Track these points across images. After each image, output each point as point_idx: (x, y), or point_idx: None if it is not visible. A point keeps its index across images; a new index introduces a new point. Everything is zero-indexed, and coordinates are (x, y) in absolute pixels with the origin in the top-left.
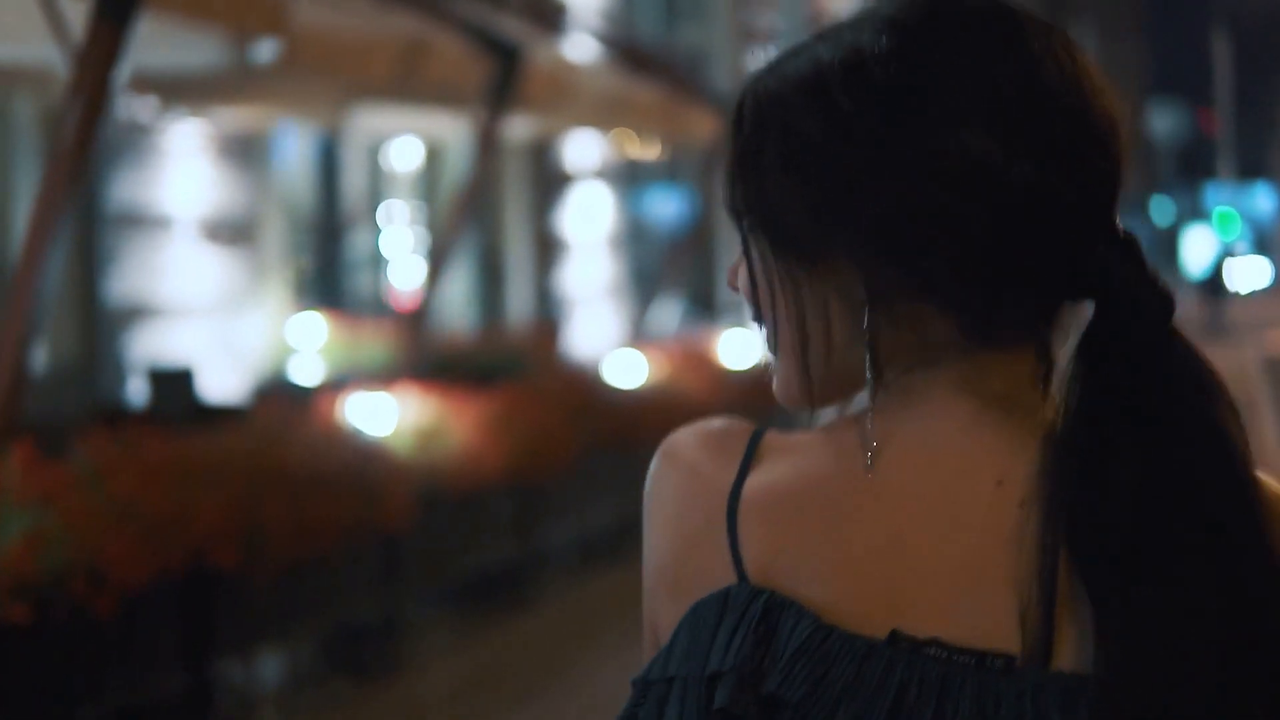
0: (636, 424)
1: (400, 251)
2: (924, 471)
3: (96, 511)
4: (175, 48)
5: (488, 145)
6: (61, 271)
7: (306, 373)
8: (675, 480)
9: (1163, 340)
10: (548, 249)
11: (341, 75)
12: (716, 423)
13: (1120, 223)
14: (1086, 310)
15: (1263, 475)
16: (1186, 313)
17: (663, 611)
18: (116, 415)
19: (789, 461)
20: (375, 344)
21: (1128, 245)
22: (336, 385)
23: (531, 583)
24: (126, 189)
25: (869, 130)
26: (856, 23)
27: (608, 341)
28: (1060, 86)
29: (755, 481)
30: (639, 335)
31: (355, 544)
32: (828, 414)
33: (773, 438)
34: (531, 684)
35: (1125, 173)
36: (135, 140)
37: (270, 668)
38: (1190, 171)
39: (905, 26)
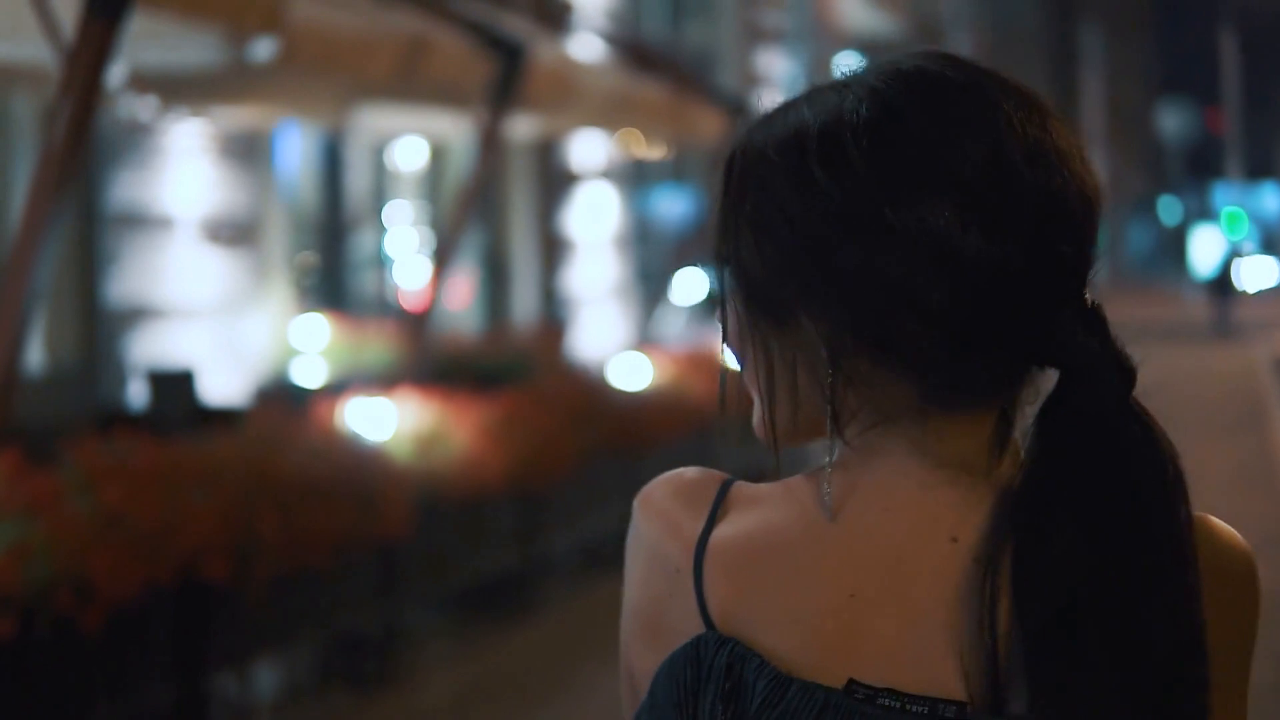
0: (641, 428)
1: (405, 252)
2: (881, 528)
3: (84, 522)
4: (172, 47)
5: (490, 144)
6: (53, 272)
7: (309, 375)
8: (649, 530)
9: (1119, 411)
10: (553, 249)
11: (342, 74)
12: (690, 473)
13: (1089, 295)
14: (1053, 377)
15: (1215, 528)
16: (1195, 313)
17: (638, 659)
18: (116, 418)
19: (754, 513)
20: (379, 346)
21: (1092, 316)
22: (339, 388)
23: (534, 591)
24: (127, 189)
25: (836, 199)
26: (843, 86)
27: (613, 343)
28: (1026, 165)
29: (721, 532)
30: (645, 337)
31: (354, 552)
32: (813, 448)
33: (740, 489)
34: (534, 694)
35: (1094, 244)
36: (136, 140)
37: (266, 680)
38: (1199, 171)
39: (883, 99)
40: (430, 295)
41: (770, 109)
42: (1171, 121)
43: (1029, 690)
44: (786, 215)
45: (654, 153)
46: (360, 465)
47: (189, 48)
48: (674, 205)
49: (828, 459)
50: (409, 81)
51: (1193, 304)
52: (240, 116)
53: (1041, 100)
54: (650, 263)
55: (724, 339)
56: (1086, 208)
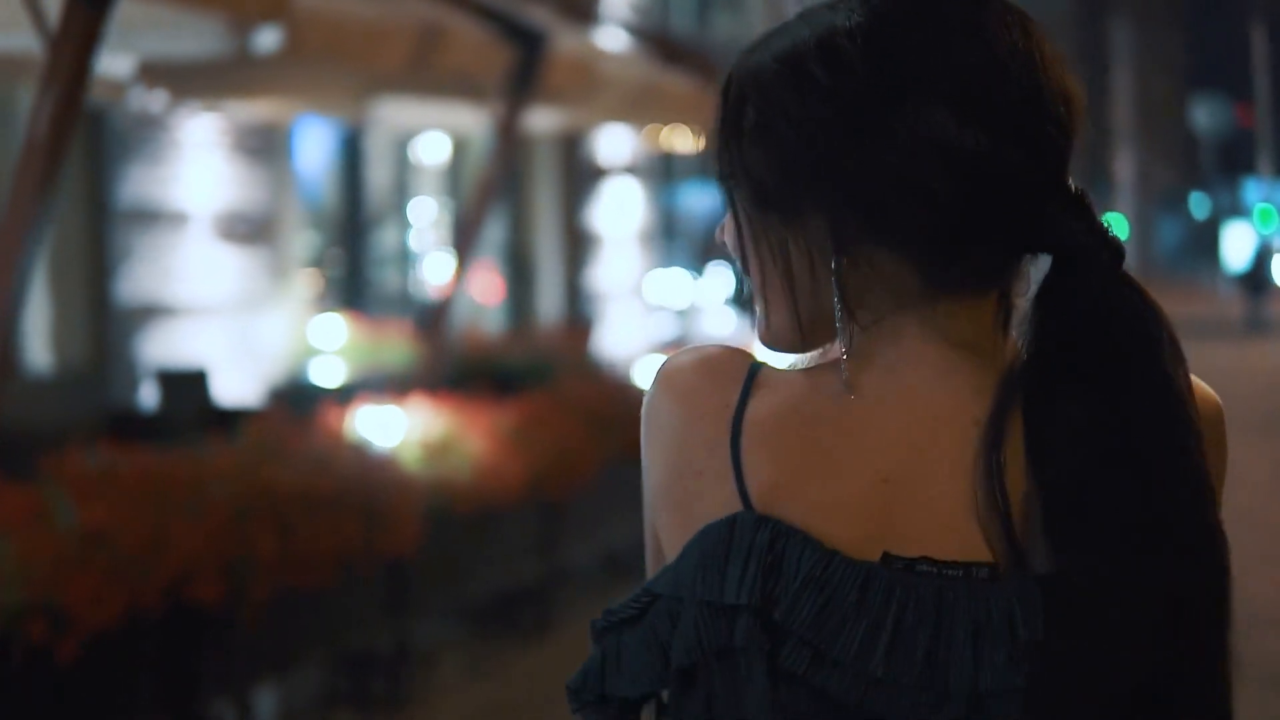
0: None
1: (428, 248)
2: (907, 410)
3: (61, 542)
4: (173, 36)
5: (508, 136)
6: (37, 271)
7: (325, 375)
8: (675, 406)
9: (1111, 285)
10: (578, 245)
11: (354, 65)
12: (714, 349)
13: (1072, 182)
14: (1045, 262)
15: (1203, 391)
16: (1227, 309)
17: (665, 527)
18: (125, 420)
19: (785, 394)
20: (397, 346)
21: (1078, 202)
22: (355, 389)
23: (553, 605)
24: (138, 184)
25: (837, 100)
26: (835, 4)
27: (640, 341)
28: (1014, 64)
29: (756, 410)
30: (672, 336)
31: (361, 567)
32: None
33: (770, 371)
34: (553, 715)
35: (1076, 139)
36: (147, 134)
37: (268, 706)
38: (1230, 166)
39: (876, 9)
40: (448, 294)
41: (764, 33)
42: (1204, 116)
43: (1051, 548)
44: (790, 118)
45: (682, 145)
46: (368, 475)
47: (191, 37)
48: (701, 201)
49: (841, 344)
50: (425, 73)
51: (1225, 300)
52: (255, 110)
53: (1023, 10)
54: (677, 259)
55: (738, 249)
56: (1068, 105)
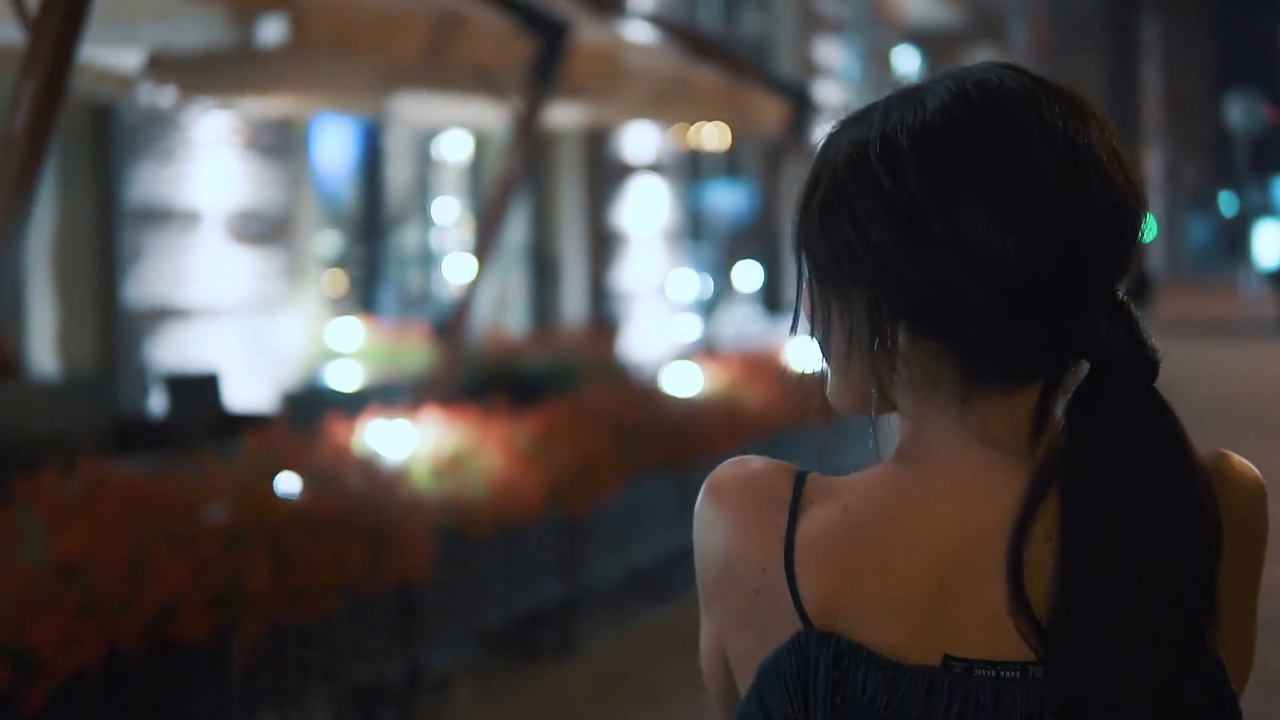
0: (697, 440)
1: (451, 249)
2: (954, 513)
3: (29, 576)
4: (176, 27)
5: (527, 131)
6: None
7: (341, 380)
8: (727, 525)
9: (1142, 396)
10: (603, 245)
11: (365, 57)
12: (758, 465)
13: (1120, 291)
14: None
15: (1233, 463)
16: (1257, 309)
17: (735, 640)
18: (133, 427)
19: (834, 505)
20: (416, 350)
21: (1120, 312)
22: (371, 395)
23: (574, 627)
24: (149, 183)
25: (889, 199)
26: (911, 94)
27: (667, 344)
28: (1058, 171)
29: (807, 527)
30: (700, 339)
31: (368, 594)
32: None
33: (815, 481)
34: None
35: (1128, 245)
36: (158, 131)
37: None
38: (1261, 165)
39: (944, 107)
40: (466, 298)
41: (861, 108)
42: (1238, 113)
43: (1064, 647)
44: (849, 207)
45: (712, 143)
46: (376, 494)
47: (193, 27)
48: (729, 200)
49: (873, 426)
50: (443, 66)
51: (1255, 299)
52: (270, 106)
53: (1086, 104)
54: (705, 260)
55: (808, 316)
56: (1118, 210)
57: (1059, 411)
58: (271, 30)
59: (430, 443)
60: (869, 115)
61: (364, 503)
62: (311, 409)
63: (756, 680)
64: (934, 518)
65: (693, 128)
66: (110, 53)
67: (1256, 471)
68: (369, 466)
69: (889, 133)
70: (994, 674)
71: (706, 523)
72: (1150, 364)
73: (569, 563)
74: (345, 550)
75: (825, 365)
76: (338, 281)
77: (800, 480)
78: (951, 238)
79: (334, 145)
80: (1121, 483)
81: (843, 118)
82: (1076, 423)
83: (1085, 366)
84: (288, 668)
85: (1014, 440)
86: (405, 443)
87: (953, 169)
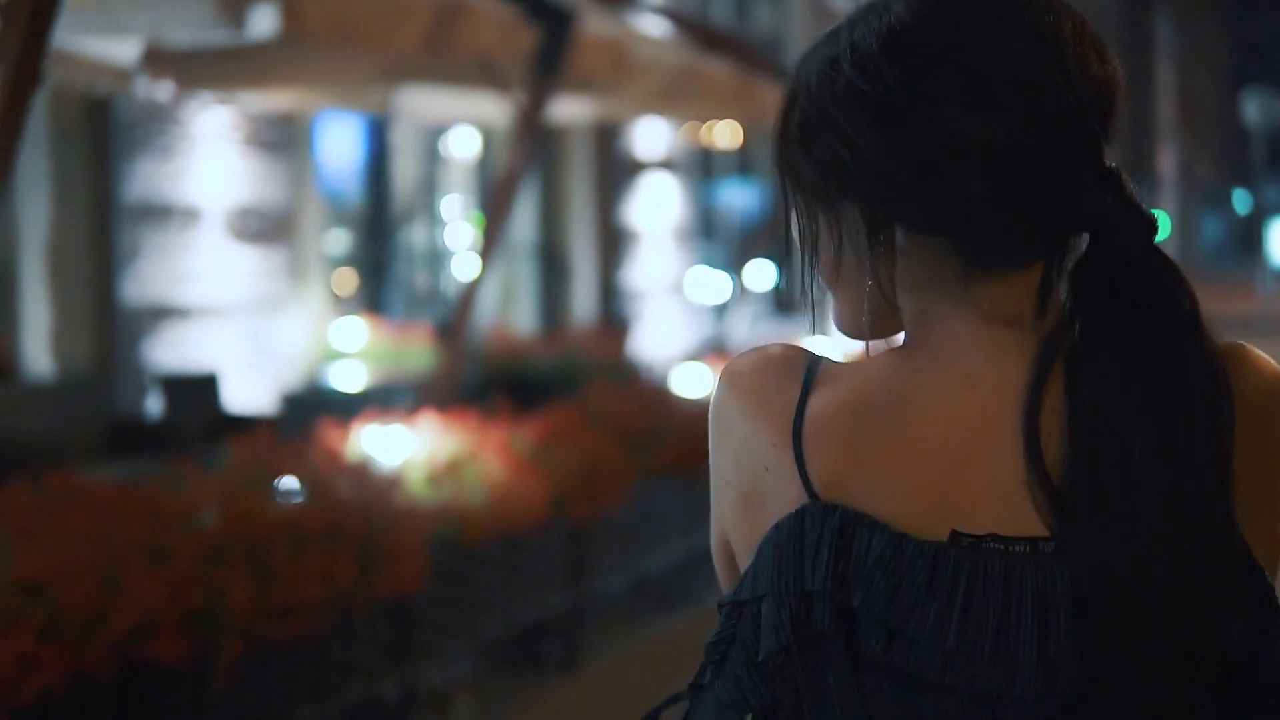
0: (705, 445)
1: (459, 247)
2: (960, 392)
3: None
4: (165, 16)
5: (531, 125)
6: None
7: (344, 380)
8: (740, 405)
9: (1143, 254)
10: (613, 243)
11: (363, 48)
12: (775, 349)
13: (1107, 161)
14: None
15: (1249, 354)
16: (1273, 307)
17: (736, 529)
18: (129, 429)
19: (844, 385)
20: (420, 350)
21: (1110, 177)
22: (374, 396)
23: (580, 639)
24: (146, 178)
25: (869, 103)
26: (874, 6)
27: (678, 343)
28: (1033, 54)
29: (816, 405)
30: (711, 339)
31: (360, 609)
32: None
33: (828, 365)
34: None
35: (1110, 120)
36: (156, 125)
37: None
38: (1278, 162)
39: (907, 11)
40: (468, 298)
41: (821, 37)
42: (1254, 110)
43: (1078, 518)
44: (829, 119)
45: (724, 141)
46: (369, 502)
47: (184, 15)
48: (741, 198)
49: (869, 329)
50: (445, 58)
51: (1269, 297)
52: (272, 101)
53: (1061, 2)
54: (716, 259)
55: (798, 245)
56: (1096, 86)
57: (1063, 286)
58: (263, 20)
59: (427, 448)
60: (835, 35)
61: (355, 512)
62: (312, 410)
63: (757, 552)
64: (942, 396)
65: (705, 126)
66: (106, 44)
67: (1275, 364)
68: (362, 474)
69: (858, 41)
70: (1003, 547)
71: (722, 406)
72: (1146, 222)
73: (574, 572)
74: (334, 563)
75: (831, 290)
76: (342, 280)
77: (814, 362)
78: (936, 128)
79: (339, 141)
80: (1129, 355)
81: (809, 47)
82: (1080, 293)
83: (1084, 241)
84: (273, 688)
85: (1019, 318)
86: (401, 448)
87: (926, 60)
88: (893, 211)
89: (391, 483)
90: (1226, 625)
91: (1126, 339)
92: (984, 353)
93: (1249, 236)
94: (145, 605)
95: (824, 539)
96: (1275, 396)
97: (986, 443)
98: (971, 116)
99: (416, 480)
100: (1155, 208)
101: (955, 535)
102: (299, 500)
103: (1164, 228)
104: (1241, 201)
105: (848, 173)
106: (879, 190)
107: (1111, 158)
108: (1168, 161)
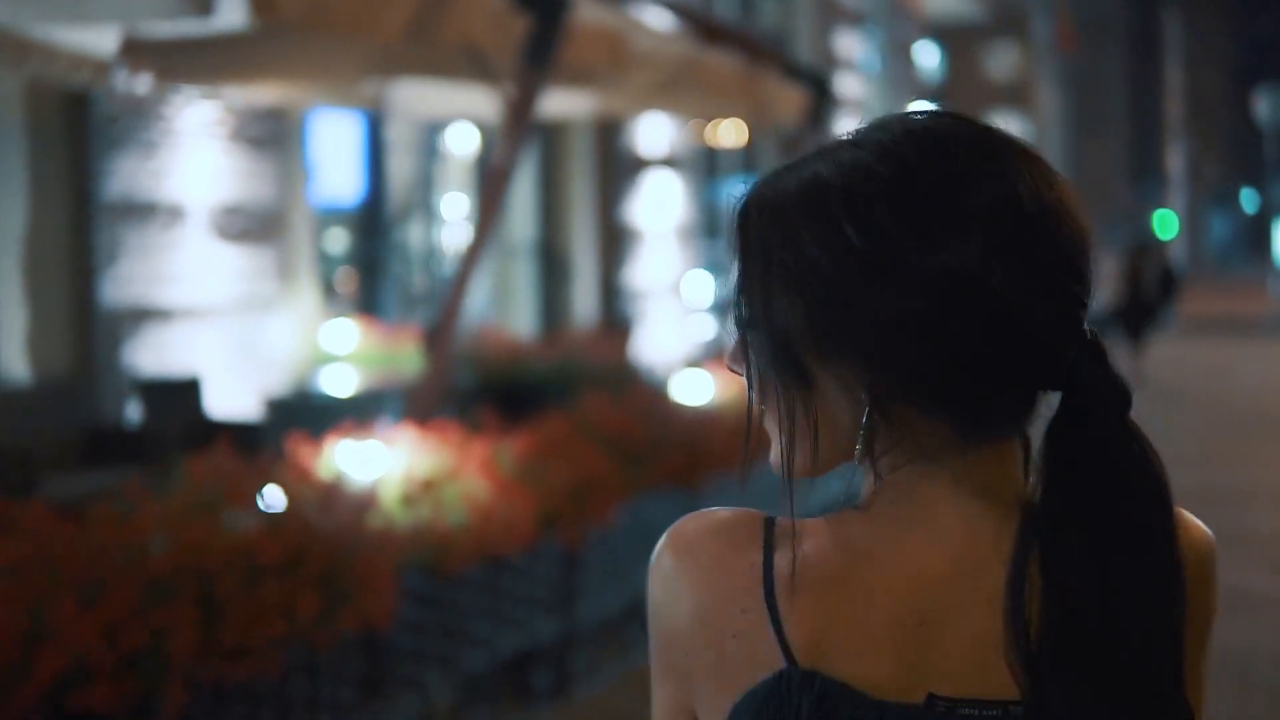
0: (705, 455)
1: (457, 246)
2: (938, 556)
3: None
4: (133, 5)
5: (521, 119)
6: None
7: (333, 385)
8: (698, 573)
9: (1120, 431)
10: (615, 242)
11: (344, 38)
12: (722, 513)
13: (1088, 327)
14: (1053, 398)
15: (1186, 521)
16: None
17: (705, 696)
18: (106, 437)
19: (811, 545)
20: (412, 354)
21: (1095, 346)
22: (363, 401)
23: (568, 666)
24: (127, 175)
25: (866, 251)
26: (854, 144)
27: (680, 347)
28: (1036, 211)
29: (783, 565)
30: (714, 343)
31: (324, 641)
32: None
33: (784, 524)
34: None
35: (1091, 285)
36: (137, 120)
37: None
38: None
39: (899, 154)
40: (454, 301)
41: (771, 172)
42: (1267, 108)
43: (1043, 681)
44: (819, 273)
45: (728, 139)
46: (335, 528)
47: (152, 4)
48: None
49: (868, 496)
50: (430, 48)
51: (1276, 297)
52: (255, 94)
53: (1041, 154)
54: (721, 258)
55: (748, 383)
56: (1085, 253)
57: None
58: (233, 6)
59: (403, 465)
60: (801, 171)
61: (320, 538)
62: (298, 416)
63: None
64: (914, 557)
65: (710, 124)
66: (83, 35)
67: (1209, 531)
68: (331, 494)
69: (850, 184)
70: (976, 713)
71: (669, 576)
72: (1125, 396)
73: (564, 596)
74: (294, 595)
75: (772, 433)
76: (342, 280)
77: (770, 523)
78: (939, 272)
79: (333, 138)
80: (1104, 531)
81: (759, 179)
82: (1058, 463)
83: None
84: None
85: (1002, 486)
86: (375, 465)
87: (932, 209)
88: (895, 384)
89: (363, 504)
90: None
91: (1103, 515)
92: (968, 521)
93: (1258, 235)
94: (78, 647)
95: (804, 714)
96: (1208, 565)
97: (966, 607)
98: (978, 256)
99: (390, 500)
100: (1163, 207)
101: (931, 699)
102: (257, 525)
103: (1172, 227)
104: (1249, 200)
105: (842, 333)
106: (880, 358)
107: (1090, 331)
108: (1176, 161)
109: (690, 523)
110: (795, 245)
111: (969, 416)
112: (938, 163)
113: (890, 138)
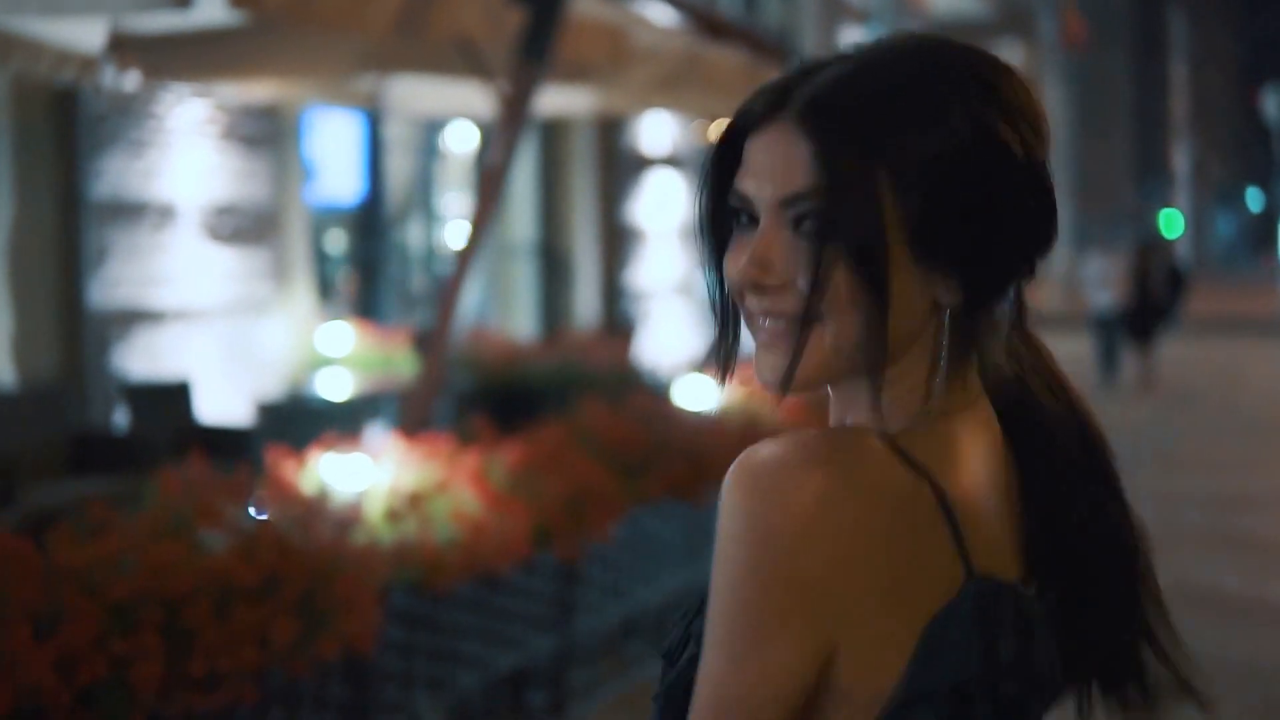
0: (708, 464)
1: (457, 246)
2: (993, 456)
3: None
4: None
5: (515, 115)
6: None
7: (328, 389)
8: (869, 496)
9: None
10: (618, 242)
11: (333, 31)
12: (838, 434)
13: None
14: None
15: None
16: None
17: (860, 633)
18: (93, 442)
19: (937, 448)
20: (408, 356)
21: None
22: (356, 406)
23: (568, 686)
24: (116, 174)
25: (966, 137)
26: (900, 50)
27: (684, 350)
28: (1031, 108)
29: (943, 476)
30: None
31: (301, 668)
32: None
33: (902, 435)
34: None
35: None
36: (126, 117)
37: None
38: None
39: (951, 58)
40: (449, 304)
41: (837, 69)
42: (1274, 107)
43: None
44: (939, 167)
45: None
46: (318, 546)
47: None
48: None
49: (935, 390)
50: (422, 42)
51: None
52: (247, 92)
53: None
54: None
55: (813, 294)
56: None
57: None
58: (212, 1)
59: (389, 479)
60: (881, 71)
61: (298, 559)
62: (291, 421)
63: (926, 637)
64: (986, 454)
65: (714, 123)
66: (69, 31)
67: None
68: (312, 511)
69: (1006, 98)
70: (1032, 593)
71: (829, 501)
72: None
73: (560, 612)
74: (270, 621)
75: (801, 340)
76: (335, 282)
77: (884, 437)
78: (1025, 167)
79: (331, 137)
80: (1056, 427)
81: (823, 77)
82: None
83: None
84: None
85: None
86: (359, 479)
87: (1001, 102)
88: (992, 279)
89: (346, 520)
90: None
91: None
92: (988, 406)
93: (1263, 234)
94: (30, 682)
95: (1004, 620)
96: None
97: (1001, 496)
98: (1040, 153)
99: (374, 516)
100: (1168, 206)
101: (1016, 586)
102: (230, 544)
103: (1177, 226)
104: (1254, 199)
105: (944, 239)
106: (975, 258)
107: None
108: (1181, 160)
109: (820, 445)
110: (914, 141)
111: (1019, 298)
112: (977, 66)
113: (924, 45)
